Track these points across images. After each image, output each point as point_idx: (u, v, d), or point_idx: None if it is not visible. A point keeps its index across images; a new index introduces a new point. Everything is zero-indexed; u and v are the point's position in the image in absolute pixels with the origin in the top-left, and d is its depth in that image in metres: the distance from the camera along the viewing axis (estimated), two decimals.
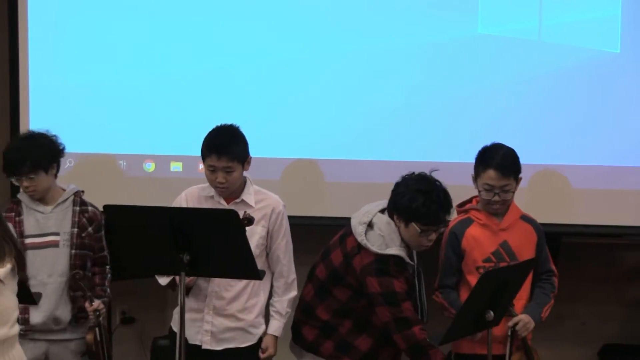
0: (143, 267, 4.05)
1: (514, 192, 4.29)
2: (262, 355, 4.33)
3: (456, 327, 3.87)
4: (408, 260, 4.13)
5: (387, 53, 5.31)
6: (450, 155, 5.18)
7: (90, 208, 4.52)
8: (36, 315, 4.36)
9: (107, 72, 5.53)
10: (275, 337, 4.35)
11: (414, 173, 4.17)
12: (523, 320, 4.24)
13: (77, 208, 4.48)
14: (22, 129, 5.51)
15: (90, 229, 4.49)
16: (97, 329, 4.39)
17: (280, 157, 5.40)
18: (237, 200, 4.27)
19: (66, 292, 4.43)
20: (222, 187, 4.22)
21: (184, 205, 4.31)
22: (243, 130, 4.31)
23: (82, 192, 4.55)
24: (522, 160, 4.83)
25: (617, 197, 5.19)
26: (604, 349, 5.62)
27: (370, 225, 4.15)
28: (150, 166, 5.55)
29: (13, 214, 4.40)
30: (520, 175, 4.33)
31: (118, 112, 5.54)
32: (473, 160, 4.36)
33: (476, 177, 4.31)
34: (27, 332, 4.32)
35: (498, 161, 4.23)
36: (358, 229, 4.15)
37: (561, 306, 4.76)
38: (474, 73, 5.25)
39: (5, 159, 4.40)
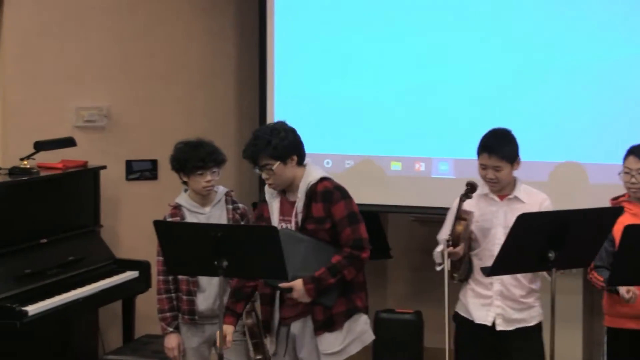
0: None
1: None
2: None
3: (502, 260, 4.10)
4: None
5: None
6: None
7: (240, 205, 4.97)
8: (203, 303, 4.84)
9: (342, 83, 6.06)
10: None
11: None
12: None
13: (230, 206, 4.92)
14: None
15: (242, 223, 4.91)
16: (253, 313, 4.76)
17: (547, 161, 5.69)
18: (510, 197, 4.64)
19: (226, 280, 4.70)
20: (492, 182, 4.61)
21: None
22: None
23: (232, 191, 4.99)
24: None
25: None
26: None
27: None
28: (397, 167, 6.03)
29: (178, 218, 4.83)
30: None
31: (356, 116, 6.05)
32: None
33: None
34: (195, 318, 4.83)
35: (634, 148, 4.77)
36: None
37: None
38: None
39: None
